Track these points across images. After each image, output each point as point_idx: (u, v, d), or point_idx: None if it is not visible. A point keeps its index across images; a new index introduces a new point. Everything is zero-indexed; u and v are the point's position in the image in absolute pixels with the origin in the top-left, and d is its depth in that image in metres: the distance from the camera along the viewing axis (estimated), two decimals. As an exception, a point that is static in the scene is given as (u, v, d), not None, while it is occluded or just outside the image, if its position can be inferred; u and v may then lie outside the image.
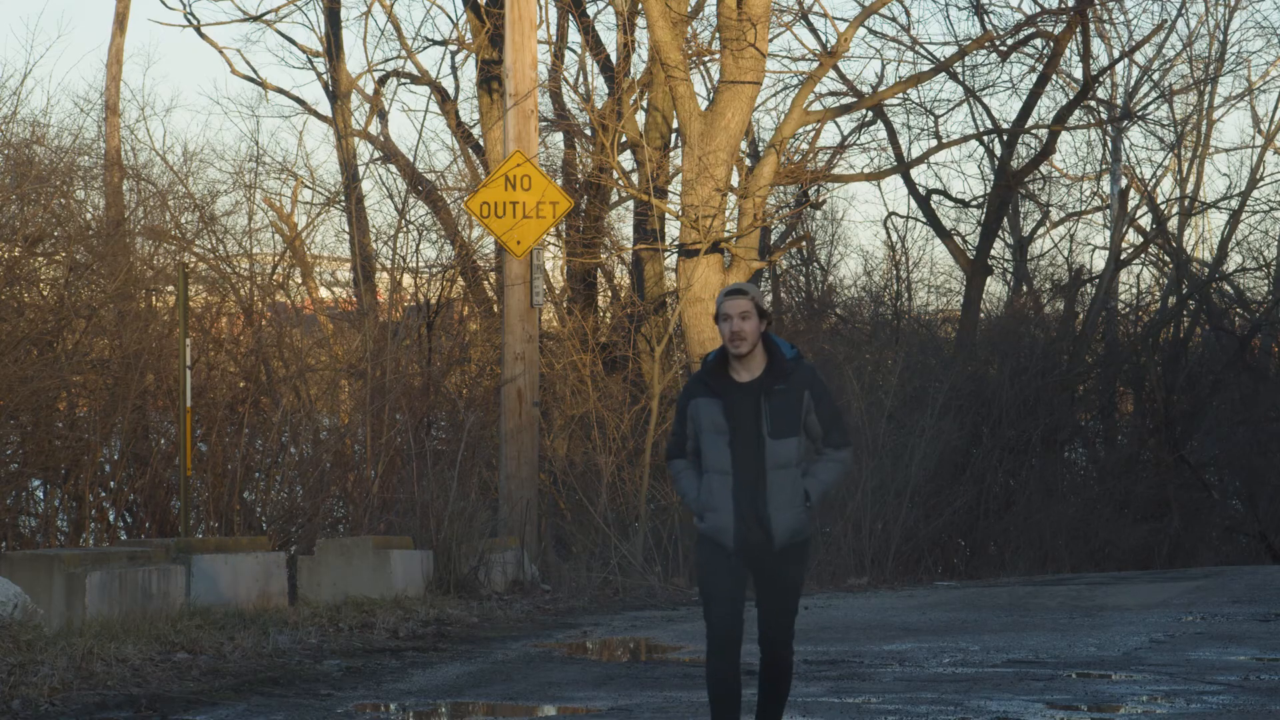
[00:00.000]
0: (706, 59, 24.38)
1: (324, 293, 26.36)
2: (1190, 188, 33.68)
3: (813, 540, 7.72)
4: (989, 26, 27.05)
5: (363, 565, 14.82)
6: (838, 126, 30.39)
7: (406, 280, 23.80)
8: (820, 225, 31.00)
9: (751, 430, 7.52)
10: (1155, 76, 31.38)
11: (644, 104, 25.18)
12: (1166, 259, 33.47)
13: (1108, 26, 29.11)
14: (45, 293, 17.07)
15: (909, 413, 23.59)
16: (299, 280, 24.38)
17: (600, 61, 25.78)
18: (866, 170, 29.07)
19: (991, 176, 30.41)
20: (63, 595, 12.02)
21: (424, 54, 63.65)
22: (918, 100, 29.76)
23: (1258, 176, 34.00)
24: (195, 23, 29.31)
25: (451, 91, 27.33)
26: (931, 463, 23.16)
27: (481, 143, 25.84)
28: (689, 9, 23.25)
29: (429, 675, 11.10)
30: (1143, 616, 14.77)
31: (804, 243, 29.76)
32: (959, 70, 27.81)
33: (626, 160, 25.27)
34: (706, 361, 7.70)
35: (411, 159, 25.75)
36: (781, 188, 25.65)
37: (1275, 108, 57.30)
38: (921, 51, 28.04)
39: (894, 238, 31.84)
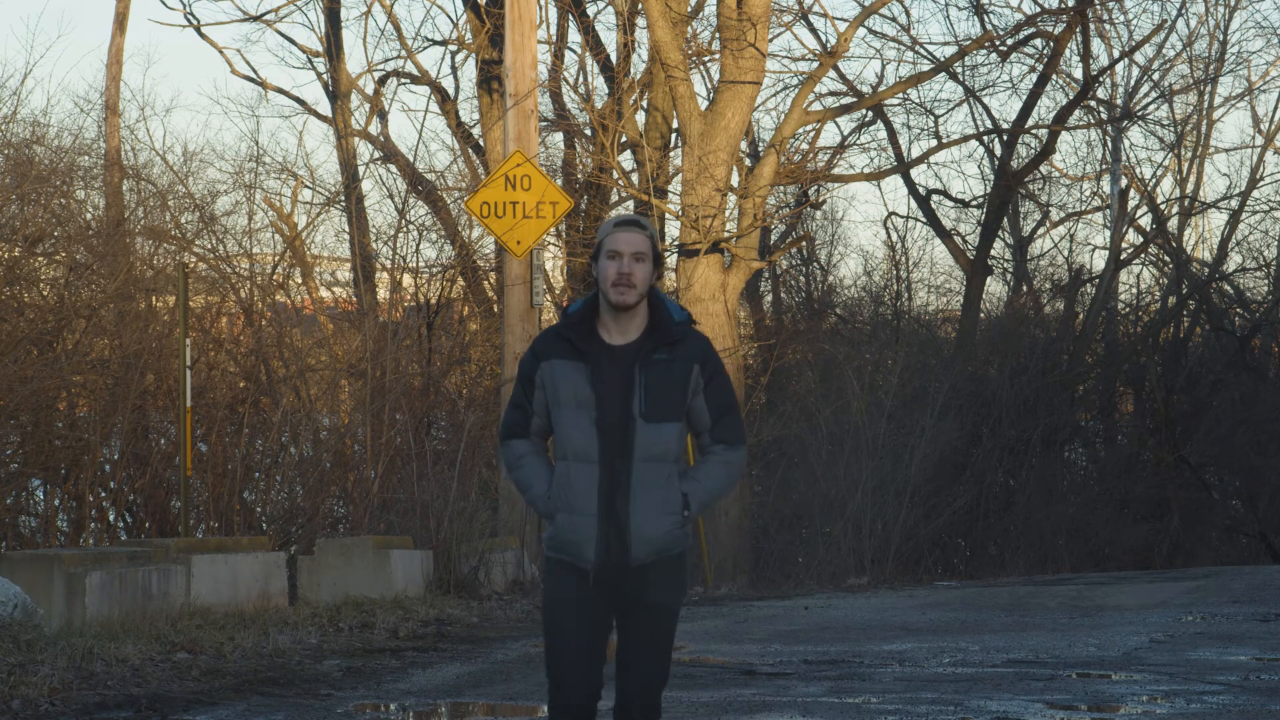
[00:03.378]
0: (706, 59, 24.41)
1: (324, 293, 26.35)
2: (1190, 188, 33.71)
3: (688, 557, 6.07)
4: (989, 26, 27.08)
5: (363, 565, 14.82)
6: (838, 126, 30.46)
7: (406, 280, 23.80)
8: (820, 225, 31.02)
9: (619, 408, 5.82)
10: (1155, 76, 31.42)
11: (644, 104, 25.18)
12: (1166, 259, 33.47)
13: (1108, 26, 29.15)
14: (45, 293, 17.06)
15: (909, 413, 23.59)
16: (299, 280, 24.38)
17: (600, 61, 25.78)
18: (866, 170, 29.09)
19: (991, 176, 30.42)
20: (63, 595, 12.02)
21: (424, 54, 63.68)
22: (918, 100, 29.84)
23: (1258, 176, 34.03)
24: (195, 23, 29.38)
25: (451, 91, 27.37)
26: (931, 463, 23.17)
27: (481, 143, 25.84)
28: (689, 9, 23.26)
29: (429, 675, 11.09)
30: (1143, 616, 14.76)
31: (804, 243, 29.77)
32: (959, 70, 27.84)
33: (626, 160, 25.28)
34: (568, 314, 5.96)
35: (411, 159, 25.77)
36: (781, 188, 25.65)
37: (1275, 108, 57.49)
38: (921, 51, 28.10)
39: (894, 238, 31.88)
